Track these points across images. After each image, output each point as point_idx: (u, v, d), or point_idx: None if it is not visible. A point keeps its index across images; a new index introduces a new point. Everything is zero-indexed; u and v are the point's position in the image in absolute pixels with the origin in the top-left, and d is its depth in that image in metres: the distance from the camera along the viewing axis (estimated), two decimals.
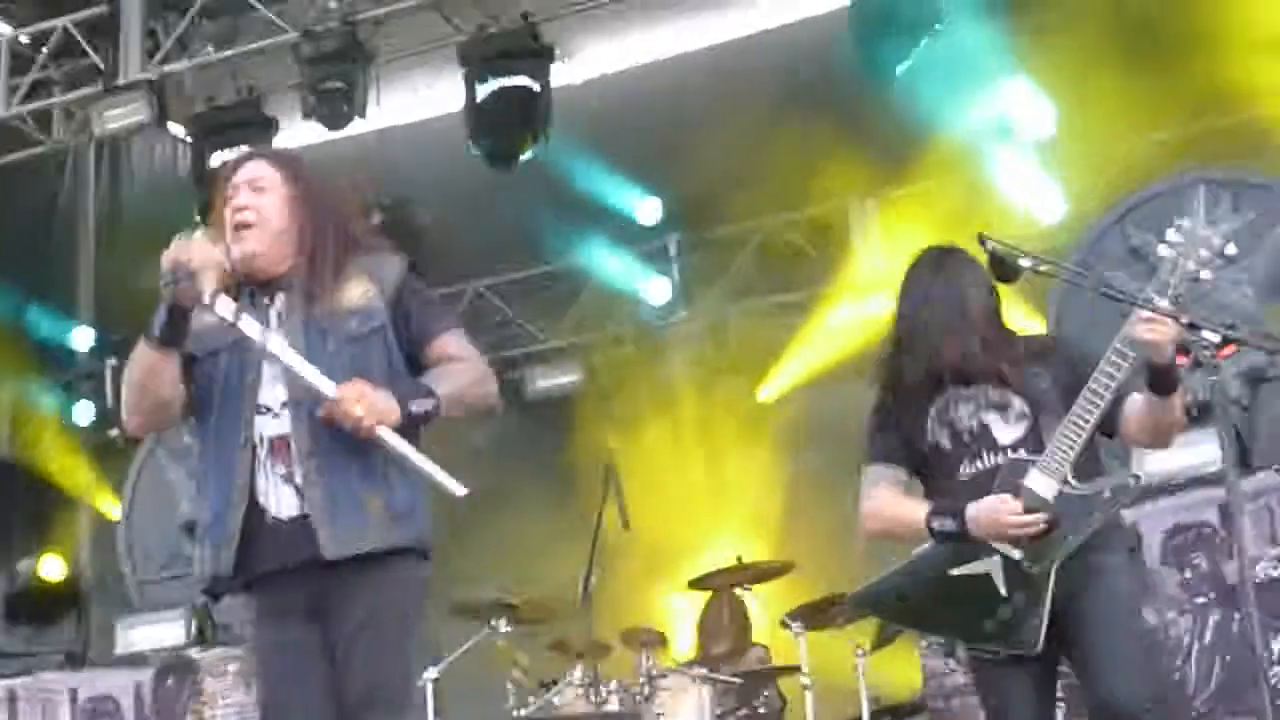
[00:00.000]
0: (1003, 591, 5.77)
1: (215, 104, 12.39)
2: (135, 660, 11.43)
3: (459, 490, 5.12)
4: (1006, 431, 5.86)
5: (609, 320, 13.66)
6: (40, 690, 11.42)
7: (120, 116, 12.18)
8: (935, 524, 5.78)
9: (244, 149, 5.44)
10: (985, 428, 5.88)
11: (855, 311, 12.61)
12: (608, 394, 13.43)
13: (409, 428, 5.16)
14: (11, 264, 14.06)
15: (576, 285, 13.74)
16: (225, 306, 5.08)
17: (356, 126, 11.87)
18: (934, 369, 5.92)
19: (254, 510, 5.13)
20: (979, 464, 5.85)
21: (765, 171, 12.12)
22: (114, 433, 14.83)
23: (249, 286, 5.28)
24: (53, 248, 14.95)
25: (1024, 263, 5.78)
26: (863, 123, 11.34)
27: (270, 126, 12.11)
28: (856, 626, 9.63)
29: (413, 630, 5.28)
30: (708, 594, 10.46)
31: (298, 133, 12.36)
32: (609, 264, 13.39)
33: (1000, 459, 5.81)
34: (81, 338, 14.94)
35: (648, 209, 13.16)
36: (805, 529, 12.64)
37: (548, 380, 13.42)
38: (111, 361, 14.87)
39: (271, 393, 5.20)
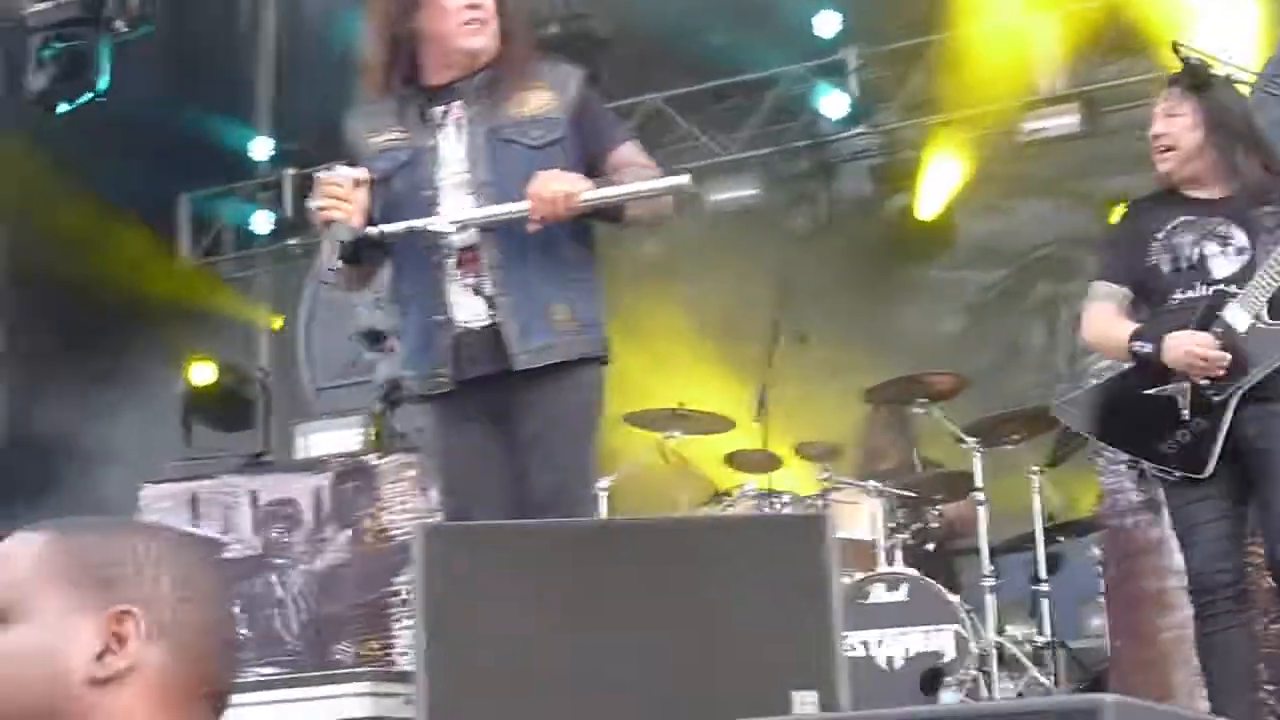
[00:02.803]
0: (1185, 415, 5.99)
1: None
2: (314, 465, 11.57)
3: (684, 179, 5.21)
4: (1223, 265, 6.02)
5: (786, 134, 13.54)
6: (221, 492, 11.61)
7: None
8: (1135, 346, 6.03)
9: None
10: (1203, 259, 6.06)
11: (1038, 127, 12.45)
12: (784, 208, 13.37)
13: (578, 240, 5.21)
14: (192, 73, 14.16)
15: (755, 99, 13.63)
16: (393, 233, 5.16)
17: None
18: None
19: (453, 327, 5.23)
20: (1189, 294, 6.01)
21: None
22: (292, 241, 15.00)
23: (419, 98, 5.31)
24: (233, 57, 15.05)
25: (1218, 71, 5.72)
26: None
27: None
28: (1031, 444, 9.59)
29: (593, 433, 5.35)
30: (873, 408, 10.43)
31: None
32: (787, 77, 13.29)
33: (1209, 291, 5.97)
34: (261, 148, 15.07)
35: (827, 21, 13.01)
36: (979, 347, 12.59)
37: (725, 193, 13.34)
38: (290, 171, 15.00)
39: (457, 205, 5.24)
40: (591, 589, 4.23)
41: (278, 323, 14.86)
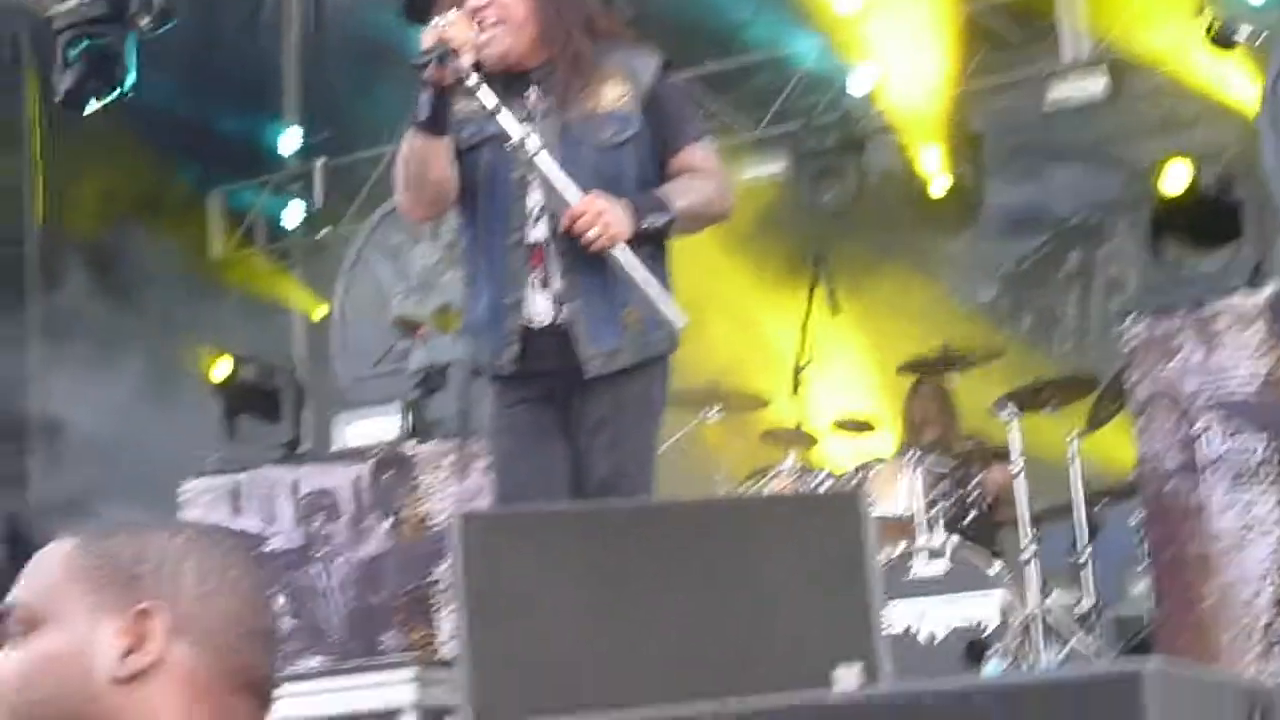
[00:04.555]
0: None
1: None
2: (352, 455, 11.60)
3: (680, 320, 5.15)
4: None
5: (814, 111, 13.52)
6: (261, 484, 11.65)
7: None
8: None
9: None
10: None
11: (1065, 95, 12.42)
12: (815, 184, 13.35)
13: (647, 240, 5.17)
14: (217, 68, 14.21)
15: (782, 76, 13.62)
16: (488, 95, 5.08)
17: None
18: None
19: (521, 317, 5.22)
20: None
21: None
22: (324, 232, 15.04)
23: (502, 77, 5.27)
24: (258, 50, 15.08)
25: (1243, 32, 5.73)
26: None
27: None
28: (1069, 409, 9.58)
29: (656, 420, 5.35)
30: (914, 381, 10.43)
31: None
32: (813, 51, 13.27)
33: None
34: (289, 140, 15.10)
35: None
36: (1014, 316, 12.57)
37: (754, 171, 13.33)
38: (319, 161, 15.03)
39: (534, 195, 5.21)
40: (630, 571, 4.24)
41: (317, 313, 14.89)
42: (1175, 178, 9.60)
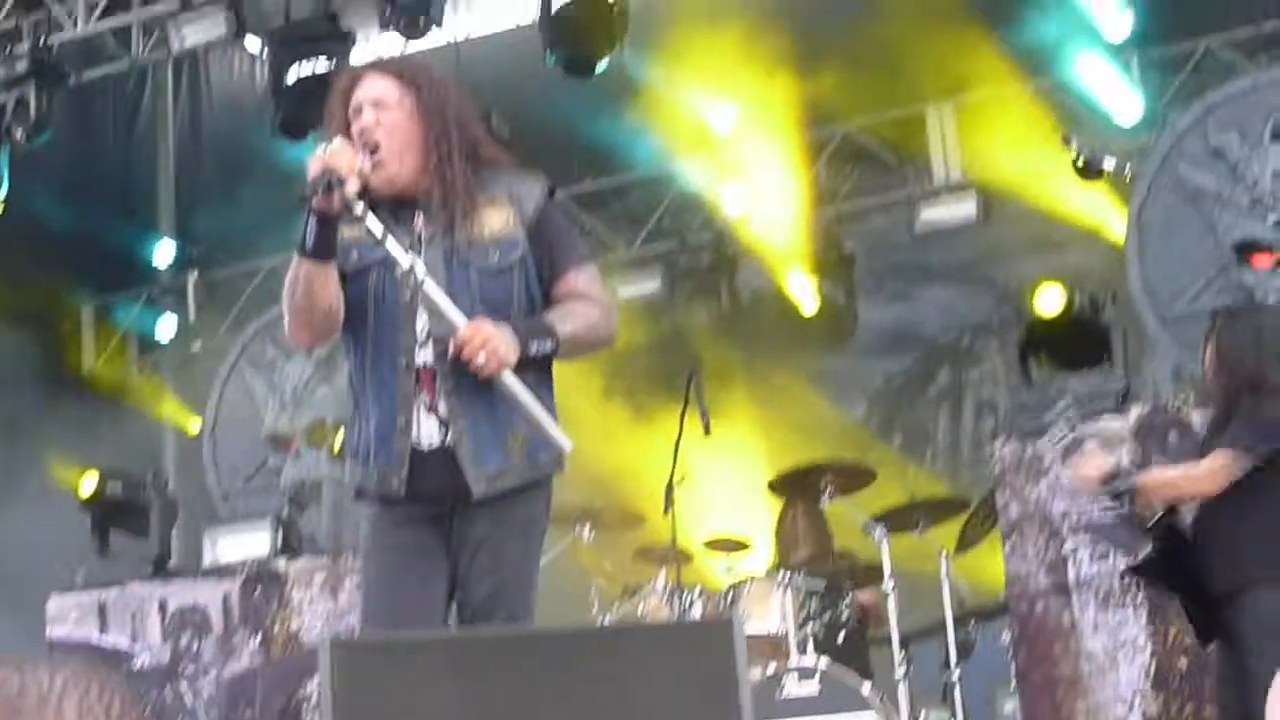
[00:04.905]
0: None
1: (292, 17, 12.35)
2: (221, 572, 11.51)
3: (565, 444, 5.14)
4: None
5: (688, 231, 13.63)
6: (129, 600, 11.54)
7: (198, 31, 12.20)
8: None
9: (375, 58, 5.35)
10: None
11: (936, 217, 12.57)
12: (689, 303, 13.43)
13: (532, 364, 5.17)
14: (92, 179, 14.16)
15: (656, 196, 13.72)
16: (374, 223, 5.07)
17: (433, 38, 11.84)
18: None
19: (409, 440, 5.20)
20: None
21: (844, 73, 12.08)
22: (196, 346, 14.97)
23: (388, 203, 5.26)
24: (133, 163, 15.05)
25: (1107, 164, 5.84)
26: (938, 25, 11.29)
27: (347, 40, 12.07)
28: (938, 530, 9.64)
29: (538, 541, 5.33)
30: (786, 499, 10.46)
31: (375, 45, 12.35)
32: (687, 172, 13.38)
33: None
34: (163, 253, 15.04)
35: (721, 116, 13.11)
36: (885, 436, 12.67)
37: (630, 289, 13.38)
38: (193, 275, 14.99)
39: (422, 319, 5.20)
40: (502, 700, 4.23)
41: (190, 425, 14.79)
42: (1049, 299, 9.76)
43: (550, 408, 5.24)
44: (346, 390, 5.49)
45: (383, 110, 5.25)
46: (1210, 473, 6.83)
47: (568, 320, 5.24)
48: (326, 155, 5.01)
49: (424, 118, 5.27)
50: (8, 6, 12.86)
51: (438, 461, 5.17)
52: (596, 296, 5.36)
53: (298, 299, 5.17)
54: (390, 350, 5.20)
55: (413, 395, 5.18)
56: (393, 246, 5.07)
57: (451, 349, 5.04)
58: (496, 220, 5.24)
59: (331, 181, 4.95)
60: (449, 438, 5.16)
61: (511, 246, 5.24)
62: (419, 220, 5.25)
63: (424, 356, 5.19)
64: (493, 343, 5.02)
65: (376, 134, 5.21)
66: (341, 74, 5.49)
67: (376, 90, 5.29)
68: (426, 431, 5.18)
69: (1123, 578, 8.69)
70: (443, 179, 5.22)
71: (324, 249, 5.08)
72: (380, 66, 5.42)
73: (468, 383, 5.11)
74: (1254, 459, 6.72)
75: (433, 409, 5.17)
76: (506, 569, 5.20)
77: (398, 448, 5.18)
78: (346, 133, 5.22)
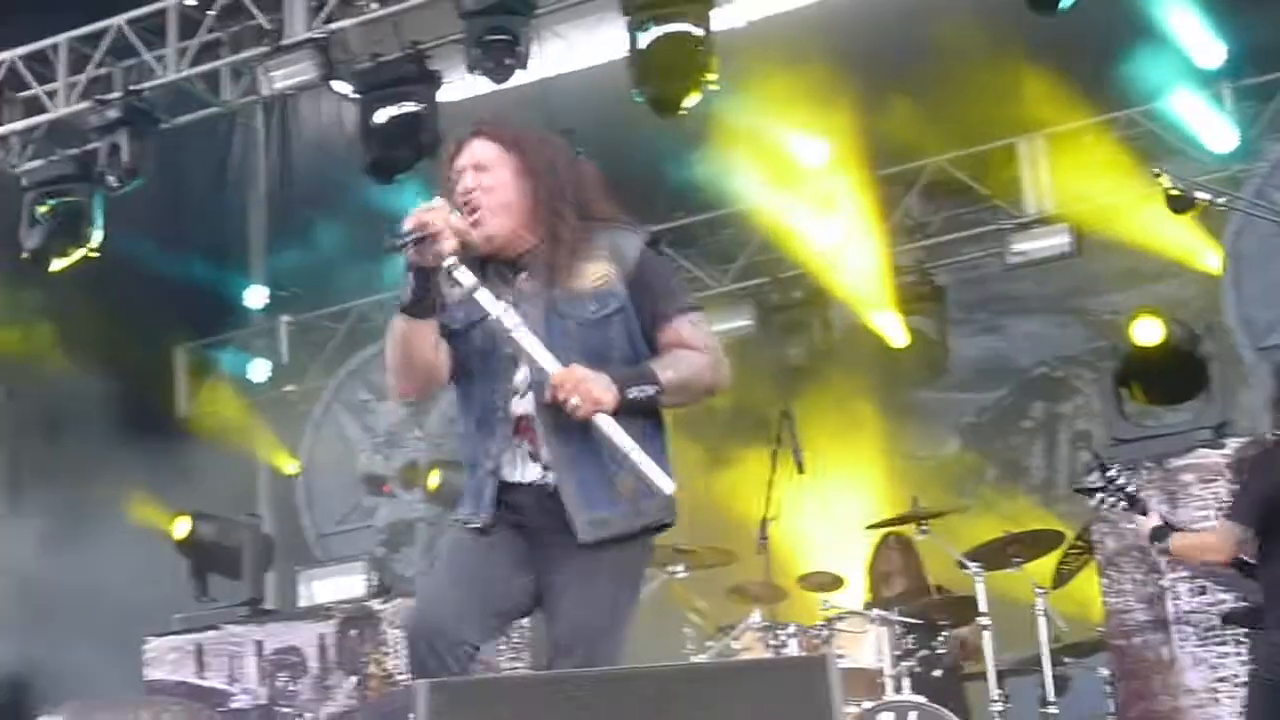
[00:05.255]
0: None
1: (380, 60, 12.43)
2: (317, 612, 11.57)
3: (668, 488, 5.14)
4: None
5: (779, 265, 13.61)
6: (226, 643, 11.61)
7: (287, 75, 12.27)
8: None
9: (472, 127, 5.40)
10: None
11: (1028, 248, 12.50)
12: (781, 338, 13.41)
13: (638, 410, 5.18)
14: (185, 225, 14.27)
15: (747, 230, 13.72)
16: (466, 275, 5.11)
17: (519, 78, 11.87)
18: None
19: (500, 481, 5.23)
20: None
21: (933, 108, 12.05)
22: (289, 388, 15.06)
23: (494, 263, 5.31)
24: (225, 207, 15.16)
25: (1200, 195, 5.76)
26: (1035, 56, 11.26)
27: (434, 81, 12.12)
28: (1034, 565, 9.57)
29: (631, 587, 5.32)
30: (880, 535, 10.43)
31: (462, 86, 12.41)
32: (777, 207, 13.35)
33: None
34: (255, 296, 15.15)
35: (810, 152, 13.08)
36: (978, 470, 12.61)
37: (721, 325, 13.35)
38: (285, 318, 15.10)
39: (522, 371, 5.24)
40: None
41: (286, 466, 14.87)
42: (1147, 330, 9.69)
43: (660, 454, 5.24)
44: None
45: (484, 172, 5.30)
46: (1214, 545, 7.13)
47: (670, 367, 5.25)
48: (421, 211, 5.07)
49: (529, 178, 5.32)
50: (100, 53, 12.99)
51: (543, 506, 5.20)
52: (702, 344, 5.36)
53: (395, 353, 5.26)
54: (491, 402, 5.25)
55: (513, 444, 5.21)
56: (483, 297, 5.11)
57: (548, 394, 5.07)
58: (595, 273, 5.26)
59: (423, 237, 5.01)
60: (552, 483, 5.19)
61: (609, 297, 5.25)
62: (522, 276, 5.29)
63: (524, 406, 5.22)
64: (585, 385, 5.04)
65: (476, 195, 5.27)
66: (449, 140, 5.52)
67: (478, 154, 5.35)
68: (531, 477, 5.21)
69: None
70: (552, 236, 5.27)
71: (419, 306, 5.15)
72: (485, 132, 5.43)
73: (570, 430, 5.13)
74: (1244, 528, 6.98)
75: (535, 456, 5.20)
76: (592, 608, 5.19)
77: (485, 497, 5.23)
78: (447, 197, 5.27)
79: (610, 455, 5.13)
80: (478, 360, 5.30)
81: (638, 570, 5.36)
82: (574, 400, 5.02)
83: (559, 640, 5.18)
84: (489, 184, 5.28)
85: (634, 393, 5.13)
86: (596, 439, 5.11)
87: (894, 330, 12.97)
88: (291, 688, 11.39)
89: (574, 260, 5.25)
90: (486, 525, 5.23)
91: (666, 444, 5.33)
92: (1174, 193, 5.71)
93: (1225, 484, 9.06)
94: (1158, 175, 5.77)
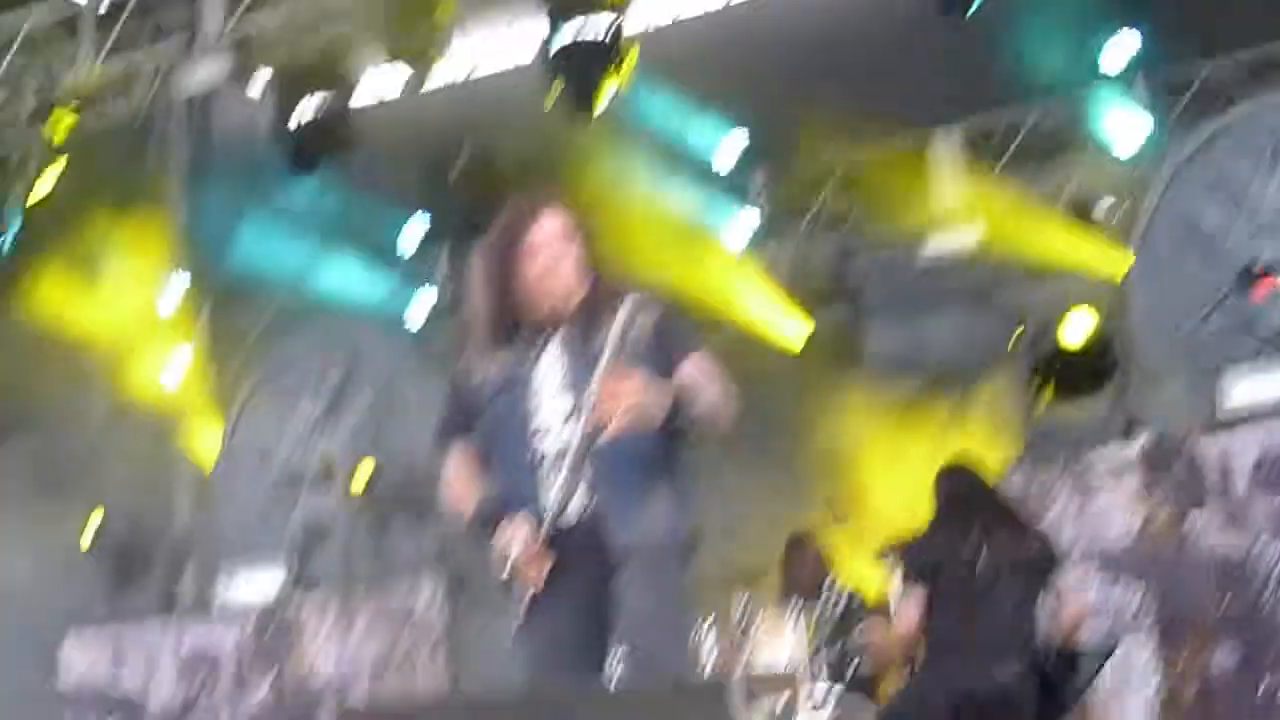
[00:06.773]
0: None
1: (297, 58, 12.35)
2: (234, 613, 11.58)
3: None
4: None
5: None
6: (143, 642, 11.60)
7: (202, 75, 12.23)
8: None
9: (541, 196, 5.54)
10: None
11: (942, 244, 12.59)
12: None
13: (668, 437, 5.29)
14: (99, 226, 14.19)
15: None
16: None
17: (439, 78, 11.86)
18: None
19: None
20: None
21: (844, 105, 12.10)
22: (207, 384, 14.98)
23: (523, 330, 5.43)
24: (140, 208, 15.07)
25: (1101, 204, 5.89)
26: (946, 56, 11.32)
27: (351, 82, 12.11)
28: None
29: (672, 588, 5.42)
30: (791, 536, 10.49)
31: (380, 82, 12.38)
32: (691, 203, 13.38)
33: None
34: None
35: (725, 148, 13.13)
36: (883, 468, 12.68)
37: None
38: (204, 313, 15.02)
39: (552, 411, 5.33)
40: None
41: (204, 461, 14.82)
42: (1078, 327, 9.76)
43: (680, 478, 5.39)
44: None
45: (567, 243, 5.46)
46: None
47: (698, 394, 5.40)
48: (509, 549, 5.26)
49: (584, 255, 5.49)
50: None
51: (579, 534, 5.31)
52: (712, 376, 5.49)
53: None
54: (518, 454, 5.39)
55: (542, 488, 5.33)
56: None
57: (598, 414, 5.18)
58: (617, 322, 5.37)
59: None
60: (594, 504, 5.31)
61: (635, 344, 5.37)
62: (553, 342, 5.44)
63: (560, 440, 5.34)
64: (634, 386, 5.18)
65: (561, 270, 5.41)
66: (511, 206, 5.63)
67: (556, 228, 5.50)
68: (573, 507, 5.33)
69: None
70: (587, 297, 5.40)
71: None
72: (551, 205, 5.57)
73: (612, 465, 5.25)
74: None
75: (573, 484, 5.33)
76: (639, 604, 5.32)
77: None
78: (510, 265, 5.41)
79: (639, 479, 5.27)
80: (504, 425, 5.47)
81: (678, 579, 5.47)
82: (625, 387, 5.15)
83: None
84: (568, 258, 5.44)
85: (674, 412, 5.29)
86: (630, 459, 5.25)
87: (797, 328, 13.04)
88: (208, 689, 11.38)
89: (597, 312, 5.40)
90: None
91: (685, 472, 5.48)
92: (1075, 201, 5.83)
93: (1136, 480, 9.16)
94: (1062, 184, 5.88)
